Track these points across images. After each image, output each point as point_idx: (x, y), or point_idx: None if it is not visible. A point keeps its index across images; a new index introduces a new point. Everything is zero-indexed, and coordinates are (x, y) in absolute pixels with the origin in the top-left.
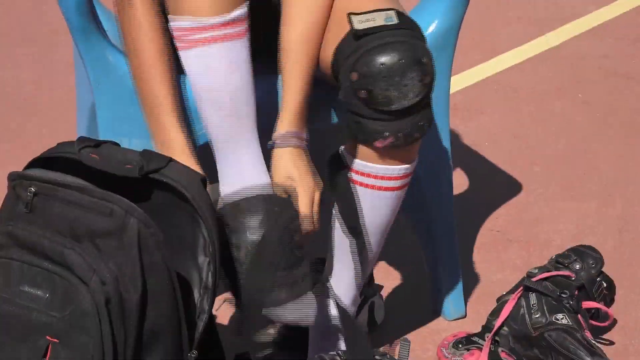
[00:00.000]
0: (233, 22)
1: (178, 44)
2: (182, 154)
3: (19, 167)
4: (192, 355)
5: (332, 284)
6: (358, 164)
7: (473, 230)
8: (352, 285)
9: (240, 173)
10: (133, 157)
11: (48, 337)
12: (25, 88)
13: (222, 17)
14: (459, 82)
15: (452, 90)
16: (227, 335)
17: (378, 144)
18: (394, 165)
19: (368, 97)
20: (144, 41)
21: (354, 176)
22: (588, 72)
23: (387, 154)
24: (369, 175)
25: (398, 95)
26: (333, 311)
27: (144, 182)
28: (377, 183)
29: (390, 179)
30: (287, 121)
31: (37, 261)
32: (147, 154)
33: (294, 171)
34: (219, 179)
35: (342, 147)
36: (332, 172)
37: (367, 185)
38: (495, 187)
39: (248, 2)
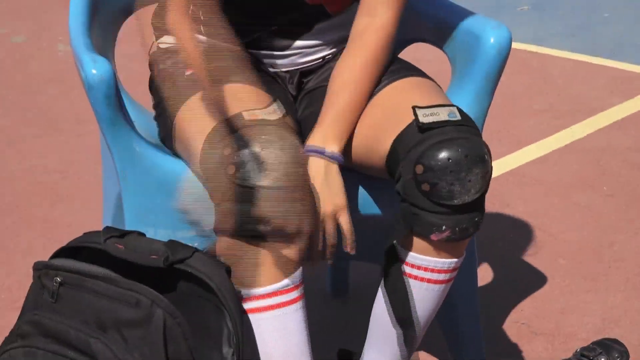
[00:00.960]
0: (283, 290)
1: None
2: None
3: (44, 256)
4: None
5: None
6: (411, 256)
7: (498, 322)
8: None
9: None
10: (159, 248)
11: None
12: (52, 176)
13: (270, 286)
14: None
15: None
16: None
17: (434, 237)
18: (446, 259)
19: (431, 190)
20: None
21: (407, 269)
22: (613, 164)
23: (441, 247)
24: (419, 268)
25: (461, 190)
26: None
27: (169, 273)
28: (427, 276)
29: (440, 272)
30: (322, 135)
31: (62, 350)
32: (172, 245)
33: (320, 183)
34: None
35: (395, 241)
36: (387, 264)
37: (418, 278)
38: (520, 278)
39: (299, 272)
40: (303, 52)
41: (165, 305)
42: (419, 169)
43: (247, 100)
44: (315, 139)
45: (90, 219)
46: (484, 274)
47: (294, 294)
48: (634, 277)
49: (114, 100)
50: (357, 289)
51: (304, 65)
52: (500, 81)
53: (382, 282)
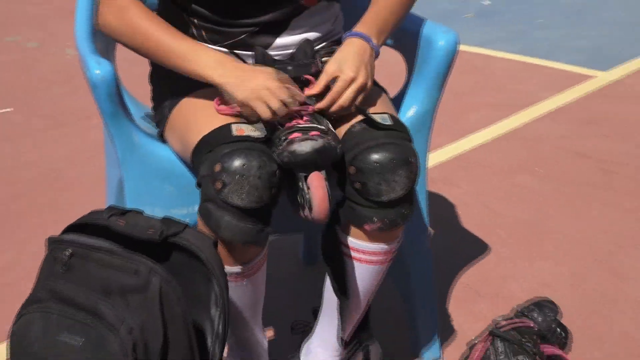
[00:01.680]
0: (243, 272)
1: None
2: (227, 57)
3: (55, 233)
4: None
5: (317, 332)
6: (350, 241)
7: (448, 286)
8: (333, 336)
9: (240, 342)
10: (155, 224)
11: None
12: (60, 165)
13: (235, 268)
14: (435, 158)
15: (429, 166)
16: None
17: (367, 227)
18: (380, 244)
19: (362, 188)
20: (144, 26)
21: (346, 250)
22: (546, 149)
23: (375, 235)
24: (358, 251)
25: (387, 189)
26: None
27: (164, 245)
28: (365, 257)
29: (376, 254)
30: (364, 25)
31: (73, 312)
32: (166, 221)
33: (360, 60)
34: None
35: (337, 226)
36: (326, 244)
37: (357, 259)
38: (467, 249)
39: (259, 258)
40: (282, 53)
41: (161, 273)
42: (352, 169)
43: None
44: (362, 30)
45: (95, 201)
46: (436, 245)
47: (252, 271)
48: (562, 246)
49: (115, 97)
50: None
51: None
52: (449, 79)
53: (325, 261)
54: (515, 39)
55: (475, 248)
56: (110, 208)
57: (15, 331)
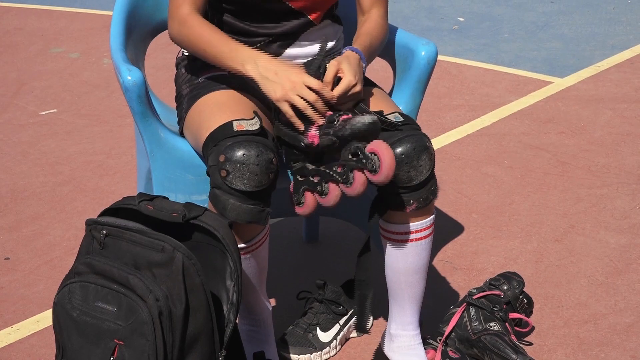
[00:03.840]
0: (247, 247)
1: None
2: (262, 54)
3: (93, 215)
4: (222, 354)
5: (393, 317)
6: (398, 227)
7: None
8: (408, 316)
9: (247, 309)
10: (178, 208)
11: (115, 340)
12: (99, 157)
13: (242, 244)
14: None
15: None
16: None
17: (407, 209)
18: (422, 220)
19: (395, 179)
20: (201, 35)
21: (396, 237)
22: (511, 144)
23: (416, 214)
24: (407, 233)
25: (416, 173)
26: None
27: (186, 226)
28: (415, 236)
29: (422, 230)
30: (357, 44)
31: (108, 284)
32: (188, 205)
33: (348, 66)
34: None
35: (381, 219)
36: (381, 238)
37: (409, 241)
38: (444, 229)
39: (263, 232)
40: (290, 63)
41: (183, 250)
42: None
43: (235, 110)
44: (357, 46)
45: (128, 187)
46: None
47: (256, 246)
48: (527, 227)
49: (144, 99)
50: (325, 235)
51: None
52: (428, 84)
53: (385, 253)
54: (484, 50)
55: (451, 228)
56: (140, 194)
57: (59, 299)
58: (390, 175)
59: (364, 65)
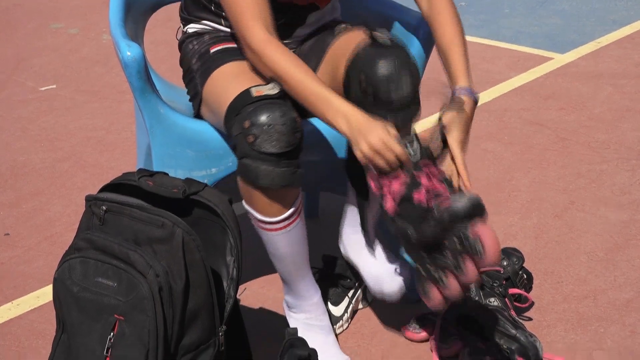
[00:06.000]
0: (286, 218)
1: (251, 221)
2: (356, 110)
3: (93, 191)
4: (222, 329)
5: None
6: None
7: None
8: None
9: (298, 296)
10: (178, 184)
11: (116, 316)
12: (99, 132)
13: (279, 217)
14: (418, 128)
15: None
16: (247, 313)
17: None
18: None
19: (374, 93)
20: (285, 66)
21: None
22: (511, 120)
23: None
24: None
25: (396, 88)
26: None
27: (186, 202)
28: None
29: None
30: (464, 77)
31: (108, 259)
32: (188, 181)
33: (463, 133)
34: (286, 294)
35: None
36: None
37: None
38: None
39: (299, 200)
40: (300, 39)
41: (183, 226)
42: (362, 77)
43: (250, 77)
44: (466, 83)
45: (127, 163)
46: None
47: (295, 216)
48: (526, 203)
49: (143, 75)
50: (325, 211)
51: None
52: (428, 61)
53: (347, 171)
54: (484, 26)
55: None
56: (140, 170)
57: (59, 275)
58: (496, 260)
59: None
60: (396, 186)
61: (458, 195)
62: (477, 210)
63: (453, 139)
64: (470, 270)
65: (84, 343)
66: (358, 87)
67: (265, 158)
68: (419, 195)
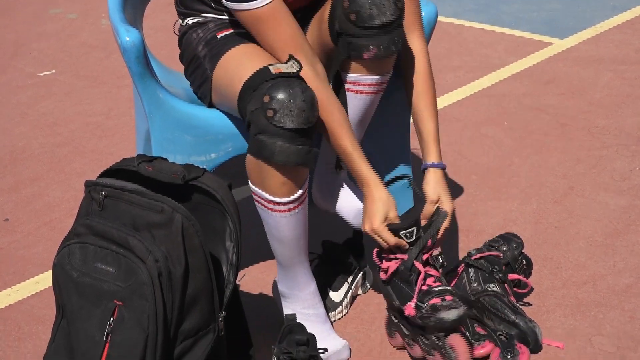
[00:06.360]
0: (295, 200)
1: (257, 203)
2: (377, 186)
3: (92, 177)
4: (222, 314)
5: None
6: (350, 76)
7: None
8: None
9: (295, 283)
10: (177, 169)
11: (115, 301)
12: (98, 118)
13: (289, 197)
14: None
15: (411, 120)
16: (246, 299)
17: (365, 55)
18: (375, 76)
19: (356, 18)
20: (330, 110)
21: (347, 86)
22: (511, 105)
23: (371, 66)
24: (357, 84)
25: (378, 13)
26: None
27: (186, 187)
28: (362, 89)
29: (371, 85)
30: (435, 153)
31: (107, 245)
32: (187, 167)
33: (442, 190)
34: (281, 284)
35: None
36: (335, 83)
37: (356, 92)
38: None
39: (307, 183)
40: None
41: (182, 212)
42: (346, 4)
43: (266, 57)
44: (432, 157)
45: (127, 149)
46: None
47: (303, 198)
48: (526, 188)
49: (142, 60)
50: None
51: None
52: (428, 45)
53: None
54: (483, 11)
55: (450, 190)
56: (139, 156)
57: (58, 260)
58: None
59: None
60: (393, 266)
61: (449, 304)
62: (459, 324)
63: (448, 209)
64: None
65: (83, 328)
66: (342, 12)
67: (282, 134)
68: (409, 311)
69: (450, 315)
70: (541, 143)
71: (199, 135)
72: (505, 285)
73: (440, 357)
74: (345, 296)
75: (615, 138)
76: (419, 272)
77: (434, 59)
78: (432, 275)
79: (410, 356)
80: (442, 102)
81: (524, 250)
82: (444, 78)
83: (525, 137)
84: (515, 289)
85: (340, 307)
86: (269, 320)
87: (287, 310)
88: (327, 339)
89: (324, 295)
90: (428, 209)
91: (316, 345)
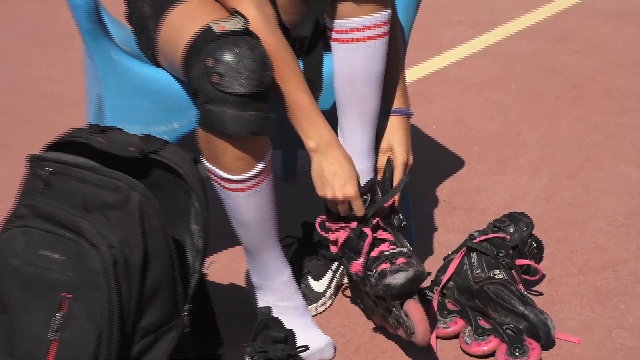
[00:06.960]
0: (255, 176)
1: (213, 182)
2: (342, 147)
3: (37, 150)
4: (187, 308)
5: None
6: (344, 22)
7: (423, 199)
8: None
9: (266, 272)
10: (135, 140)
11: (63, 294)
12: (44, 83)
13: (247, 174)
14: (410, 74)
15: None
16: (215, 290)
17: None
18: (373, 14)
19: None
20: (282, 58)
21: (342, 35)
22: (518, 66)
23: (369, 7)
24: (355, 30)
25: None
26: None
27: (144, 162)
28: (366, 33)
29: (372, 27)
30: (399, 99)
31: (54, 229)
32: (146, 138)
33: (396, 139)
34: (251, 273)
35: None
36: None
37: (357, 40)
38: (442, 163)
39: (269, 156)
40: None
41: (140, 190)
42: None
43: (210, 12)
44: (402, 105)
45: (76, 118)
46: None
47: (264, 174)
48: (536, 160)
49: (94, 16)
50: (304, 173)
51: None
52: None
53: (333, 61)
54: None
55: (449, 162)
56: (91, 126)
57: None
58: (426, 340)
59: (410, 117)
60: (342, 236)
61: (397, 267)
62: (413, 288)
63: (398, 161)
64: (416, 336)
65: (27, 325)
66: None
67: (232, 100)
68: (355, 268)
69: (397, 279)
70: (553, 108)
71: (159, 102)
72: (513, 271)
73: (403, 332)
74: (329, 286)
75: (638, 102)
76: (367, 237)
77: (431, 12)
78: (385, 240)
79: (403, 350)
80: (440, 62)
81: (533, 232)
82: (442, 34)
83: (534, 101)
84: (524, 276)
85: (324, 298)
86: (241, 314)
87: (261, 303)
88: (308, 335)
89: (305, 285)
90: (380, 160)
91: (295, 343)
